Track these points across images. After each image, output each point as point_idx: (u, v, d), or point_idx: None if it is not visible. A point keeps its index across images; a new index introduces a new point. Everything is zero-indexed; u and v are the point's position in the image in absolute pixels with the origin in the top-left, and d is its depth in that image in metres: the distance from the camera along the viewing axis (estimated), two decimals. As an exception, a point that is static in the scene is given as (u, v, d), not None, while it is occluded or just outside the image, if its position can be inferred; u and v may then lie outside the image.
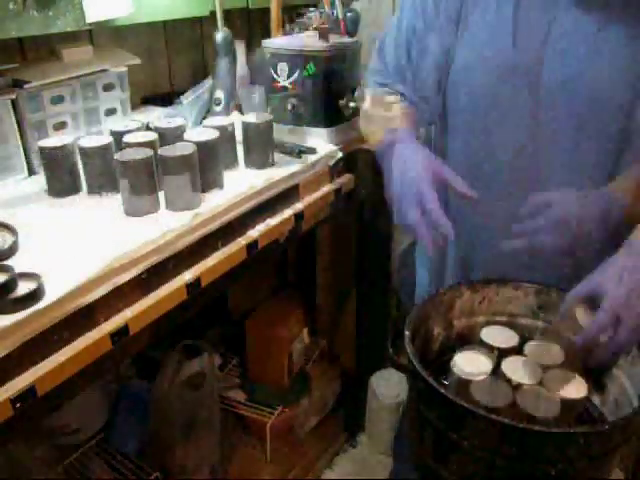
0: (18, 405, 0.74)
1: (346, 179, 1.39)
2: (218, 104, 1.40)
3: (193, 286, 0.99)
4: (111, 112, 1.30)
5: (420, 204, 0.82)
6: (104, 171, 1.07)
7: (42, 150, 1.06)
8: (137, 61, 1.34)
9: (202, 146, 1.07)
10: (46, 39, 1.17)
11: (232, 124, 1.20)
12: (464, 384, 0.84)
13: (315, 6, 1.51)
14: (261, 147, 1.22)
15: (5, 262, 0.85)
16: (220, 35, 1.37)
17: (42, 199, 1.09)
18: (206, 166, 1.09)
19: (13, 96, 1.10)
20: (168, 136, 1.13)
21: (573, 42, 0.91)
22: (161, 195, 1.05)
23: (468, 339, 0.97)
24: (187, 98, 1.40)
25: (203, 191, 1.10)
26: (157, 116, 1.34)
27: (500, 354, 0.90)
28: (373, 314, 1.75)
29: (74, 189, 1.10)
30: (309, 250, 1.78)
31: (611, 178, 0.93)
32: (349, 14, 1.57)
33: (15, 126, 1.12)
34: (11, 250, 0.88)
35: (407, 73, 1.06)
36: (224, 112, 1.39)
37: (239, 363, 1.84)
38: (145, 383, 1.55)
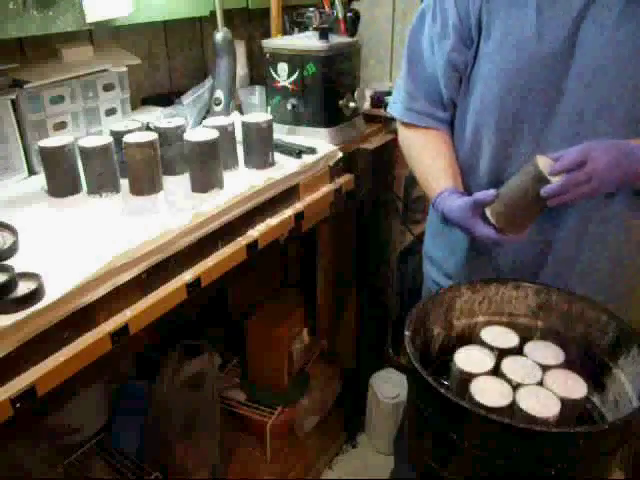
0: (18, 405, 0.74)
1: (346, 179, 1.39)
2: (218, 104, 1.40)
3: (193, 286, 0.99)
4: (111, 112, 1.30)
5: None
6: (104, 171, 1.07)
7: (42, 150, 1.06)
8: (137, 61, 1.35)
9: (202, 146, 1.07)
10: (46, 39, 1.17)
11: (232, 124, 1.20)
12: (464, 384, 0.85)
13: (315, 6, 1.51)
14: (261, 147, 1.22)
15: (5, 262, 0.84)
16: (220, 35, 1.37)
17: (42, 199, 1.09)
18: (206, 166, 1.09)
19: (13, 96, 1.10)
20: (168, 136, 1.13)
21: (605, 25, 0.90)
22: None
23: (468, 339, 0.98)
24: (187, 98, 1.41)
25: (203, 191, 1.10)
26: (157, 116, 1.35)
27: (500, 354, 0.90)
28: (373, 314, 1.75)
29: (74, 189, 1.10)
30: (309, 250, 1.78)
31: None
32: (349, 14, 1.58)
33: (15, 126, 1.13)
34: (11, 250, 0.87)
35: (442, 94, 1.07)
36: (224, 112, 1.39)
37: (239, 363, 1.84)
38: (145, 383, 1.55)
